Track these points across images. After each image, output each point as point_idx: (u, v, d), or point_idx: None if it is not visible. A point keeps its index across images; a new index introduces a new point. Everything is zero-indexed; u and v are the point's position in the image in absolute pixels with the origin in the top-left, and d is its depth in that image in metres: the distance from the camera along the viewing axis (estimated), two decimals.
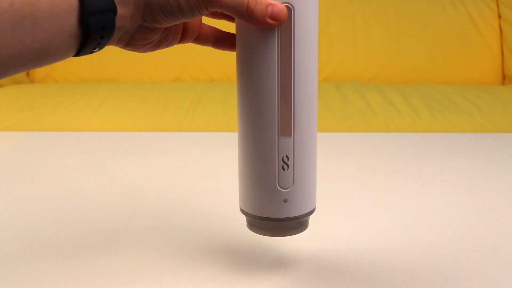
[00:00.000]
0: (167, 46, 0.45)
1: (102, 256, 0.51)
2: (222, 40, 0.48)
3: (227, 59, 1.63)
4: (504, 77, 1.72)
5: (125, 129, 1.22)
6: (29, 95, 1.39)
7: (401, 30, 1.70)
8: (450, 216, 0.62)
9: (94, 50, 0.38)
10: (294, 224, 0.44)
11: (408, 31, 1.70)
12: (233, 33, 0.46)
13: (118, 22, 0.38)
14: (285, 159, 0.42)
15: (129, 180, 0.72)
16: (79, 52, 0.37)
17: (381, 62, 1.68)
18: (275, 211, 0.43)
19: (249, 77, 0.41)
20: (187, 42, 0.47)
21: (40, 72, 1.67)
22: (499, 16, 1.74)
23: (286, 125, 0.42)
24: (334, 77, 1.65)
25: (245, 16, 0.39)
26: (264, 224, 0.44)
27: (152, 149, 0.88)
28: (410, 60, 1.69)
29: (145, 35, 0.41)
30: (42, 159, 0.82)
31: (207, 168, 0.78)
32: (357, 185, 0.72)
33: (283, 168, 0.42)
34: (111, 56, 1.65)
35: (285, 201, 0.43)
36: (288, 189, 0.43)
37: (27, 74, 1.67)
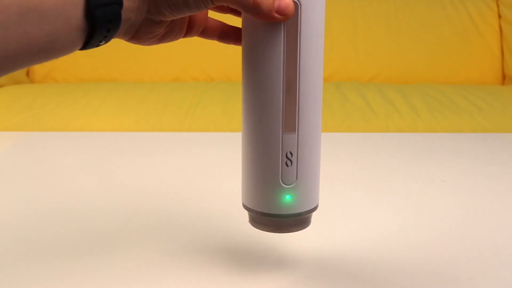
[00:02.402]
0: (172, 39, 0.45)
1: (102, 256, 0.51)
2: (228, 34, 0.48)
3: (227, 59, 1.63)
4: (504, 77, 1.72)
5: (125, 129, 1.22)
6: (29, 95, 1.39)
7: (401, 30, 1.70)
8: (450, 216, 0.62)
9: (100, 43, 0.38)
10: (297, 220, 0.44)
11: (408, 31, 1.70)
12: (239, 27, 0.45)
13: (123, 15, 0.38)
14: (289, 155, 0.42)
15: (129, 180, 0.72)
16: (86, 45, 0.37)
17: (381, 62, 1.68)
18: (278, 207, 0.43)
19: (254, 72, 0.41)
20: (193, 35, 0.47)
21: (40, 72, 1.67)
22: (499, 16, 1.74)
23: (291, 121, 0.41)
24: (334, 77, 1.65)
25: (252, 10, 0.39)
26: (266, 220, 0.44)
27: (152, 149, 0.88)
28: (410, 60, 1.69)
29: (151, 28, 0.42)
30: (42, 159, 0.82)
31: (207, 168, 0.78)
32: (357, 185, 0.72)
33: (286, 164, 0.42)
34: (111, 56, 1.65)
35: (288, 197, 0.43)
36: (291, 185, 0.43)
37: (27, 74, 1.67)
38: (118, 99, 1.37)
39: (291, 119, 0.41)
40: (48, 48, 0.35)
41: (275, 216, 0.43)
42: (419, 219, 0.61)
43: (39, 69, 1.67)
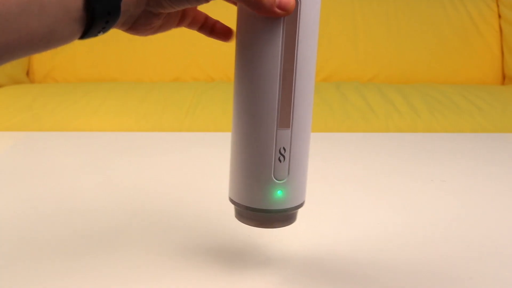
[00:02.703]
0: (166, 30, 0.46)
1: (102, 256, 0.51)
2: (208, 26, 0.49)
3: (227, 59, 1.63)
4: (504, 77, 1.73)
5: (125, 129, 1.22)
6: (29, 95, 1.39)
7: (401, 30, 1.70)
8: (450, 216, 0.62)
9: (99, 34, 0.38)
10: (284, 216, 0.44)
11: (408, 31, 1.70)
12: (220, 22, 0.47)
13: (123, 7, 0.38)
14: (282, 151, 0.42)
15: (129, 180, 0.72)
16: (84, 36, 0.38)
17: (381, 62, 1.68)
18: (268, 202, 0.43)
19: (251, 68, 0.41)
20: (182, 26, 0.48)
21: (40, 72, 1.67)
22: (499, 16, 1.74)
23: (285, 117, 0.42)
24: (334, 77, 1.65)
25: (253, 4, 0.39)
26: (254, 215, 0.44)
27: (152, 149, 0.88)
28: (410, 60, 1.69)
29: (149, 20, 0.42)
30: (42, 159, 0.82)
31: (207, 168, 0.78)
32: (357, 185, 0.72)
33: (279, 160, 0.42)
34: (111, 56, 1.65)
35: (279, 192, 0.43)
36: (283, 181, 0.43)
37: (27, 74, 1.67)
38: (118, 99, 1.37)
39: (286, 115, 0.41)
40: (47, 39, 0.35)
41: (265, 211, 0.43)
42: (419, 219, 0.61)
43: (39, 69, 1.67)
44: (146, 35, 0.44)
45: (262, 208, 0.43)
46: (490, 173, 0.77)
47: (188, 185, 0.71)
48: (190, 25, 0.48)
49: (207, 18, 0.49)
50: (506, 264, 0.51)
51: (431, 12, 1.72)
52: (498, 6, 1.74)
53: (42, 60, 1.67)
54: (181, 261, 0.50)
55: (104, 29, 0.38)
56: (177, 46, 1.64)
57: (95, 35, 0.38)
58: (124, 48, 1.65)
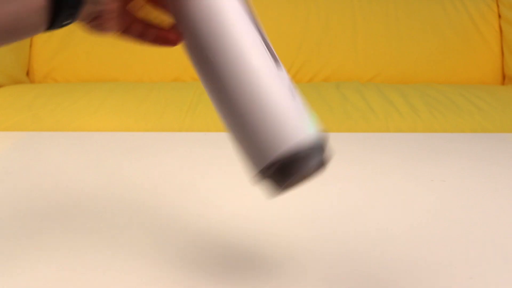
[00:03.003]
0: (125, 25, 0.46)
1: (101, 256, 0.51)
2: (150, 34, 0.48)
3: None
4: (504, 77, 1.73)
5: (125, 129, 1.22)
6: (29, 95, 1.39)
7: (401, 30, 1.70)
8: (450, 216, 0.62)
9: (65, 24, 0.38)
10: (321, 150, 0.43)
11: (408, 31, 1.70)
12: (164, 29, 0.47)
13: None
14: (290, 89, 0.43)
15: (129, 180, 0.72)
16: (51, 27, 0.38)
17: (381, 62, 1.68)
18: (309, 132, 0.41)
19: (226, 32, 0.43)
20: (122, 30, 0.47)
21: (40, 72, 1.67)
22: (499, 16, 1.74)
23: (275, 60, 0.43)
24: (334, 77, 1.65)
25: None
26: (302, 157, 0.41)
27: (152, 149, 0.88)
28: (410, 60, 1.69)
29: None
30: (42, 159, 0.82)
31: (207, 168, 0.78)
32: (357, 185, 0.72)
33: (292, 99, 0.42)
34: (111, 56, 1.65)
35: (312, 119, 0.42)
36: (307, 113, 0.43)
37: (27, 74, 1.67)
38: (118, 99, 1.37)
39: (274, 58, 0.43)
40: (12, 28, 0.35)
41: (317, 143, 0.42)
42: (419, 219, 0.61)
43: (39, 69, 1.67)
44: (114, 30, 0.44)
45: (314, 140, 0.41)
46: (490, 173, 0.77)
47: (188, 185, 0.71)
48: (130, 32, 0.47)
49: (148, 25, 0.48)
50: (506, 264, 0.51)
51: (431, 12, 1.72)
52: (498, 6, 1.74)
53: (42, 60, 1.67)
54: (181, 261, 0.50)
55: (72, 15, 0.38)
56: (177, 46, 1.64)
57: (61, 25, 0.38)
58: (124, 48, 1.65)
